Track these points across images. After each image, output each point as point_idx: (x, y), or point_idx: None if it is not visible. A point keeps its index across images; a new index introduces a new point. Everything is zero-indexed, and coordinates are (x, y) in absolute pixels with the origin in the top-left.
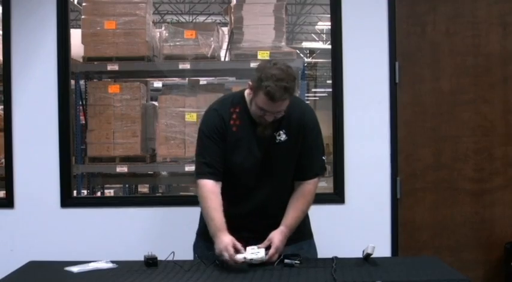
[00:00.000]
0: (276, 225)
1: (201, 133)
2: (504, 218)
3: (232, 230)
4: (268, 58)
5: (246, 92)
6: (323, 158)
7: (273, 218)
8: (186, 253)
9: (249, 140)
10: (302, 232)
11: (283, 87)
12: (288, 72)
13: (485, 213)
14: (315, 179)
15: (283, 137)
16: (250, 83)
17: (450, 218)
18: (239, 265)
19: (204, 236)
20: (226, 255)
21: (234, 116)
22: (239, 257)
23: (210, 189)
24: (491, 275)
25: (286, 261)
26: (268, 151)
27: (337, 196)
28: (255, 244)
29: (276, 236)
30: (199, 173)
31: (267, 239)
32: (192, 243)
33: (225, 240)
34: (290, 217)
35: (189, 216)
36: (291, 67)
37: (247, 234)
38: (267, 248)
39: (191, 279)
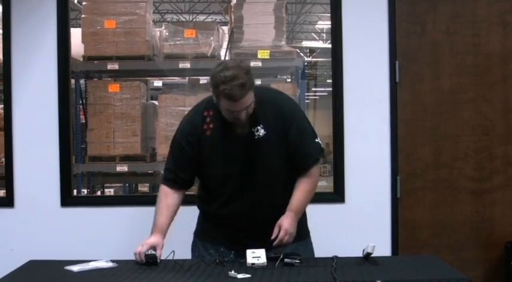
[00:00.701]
0: (271, 222)
1: (173, 139)
2: (504, 217)
3: (226, 230)
4: (268, 57)
5: None
6: (317, 140)
7: (267, 215)
8: (186, 252)
9: (226, 141)
10: (298, 233)
11: (240, 85)
12: (238, 68)
13: (485, 213)
14: (315, 166)
15: (261, 132)
16: (212, 92)
17: (450, 217)
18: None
19: (202, 236)
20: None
21: (208, 119)
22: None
23: (164, 191)
24: (491, 274)
25: (286, 260)
26: (248, 149)
27: (337, 195)
28: (252, 244)
29: (284, 220)
30: (163, 178)
31: (276, 225)
32: (190, 241)
33: (150, 239)
34: (295, 200)
35: (188, 215)
36: (242, 61)
37: (242, 234)
38: (268, 248)
39: (191, 279)
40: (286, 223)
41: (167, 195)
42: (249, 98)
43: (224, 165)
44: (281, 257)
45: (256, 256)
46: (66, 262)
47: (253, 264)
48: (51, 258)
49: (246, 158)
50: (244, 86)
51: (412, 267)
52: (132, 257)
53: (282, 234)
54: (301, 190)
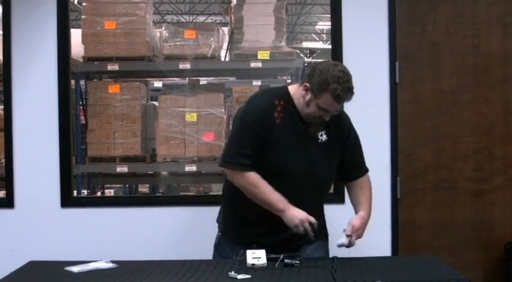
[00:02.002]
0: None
1: (242, 122)
2: (504, 218)
3: (261, 232)
4: (268, 58)
5: (293, 89)
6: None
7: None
8: (187, 252)
9: (291, 136)
10: (322, 232)
11: (349, 89)
12: (348, 72)
13: (485, 213)
14: (367, 174)
15: (324, 137)
16: (307, 84)
17: (450, 217)
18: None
19: (230, 235)
20: (303, 228)
21: (279, 108)
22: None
23: (255, 175)
24: (491, 275)
25: (286, 261)
26: (310, 151)
27: (337, 196)
28: (280, 247)
29: (356, 220)
30: (239, 164)
31: (348, 224)
32: (191, 241)
33: (300, 214)
34: (364, 203)
35: (189, 216)
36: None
37: (274, 237)
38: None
39: (191, 279)
40: (359, 225)
41: (260, 178)
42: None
43: (284, 157)
44: (281, 257)
45: (256, 256)
46: (66, 263)
47: (253, 264)
48: (51, 259)
49: (306, 158)
50: (351, 91)
51: (412, 268)
52: (133, 258)
53: (354, 237)
54: (366, 196)
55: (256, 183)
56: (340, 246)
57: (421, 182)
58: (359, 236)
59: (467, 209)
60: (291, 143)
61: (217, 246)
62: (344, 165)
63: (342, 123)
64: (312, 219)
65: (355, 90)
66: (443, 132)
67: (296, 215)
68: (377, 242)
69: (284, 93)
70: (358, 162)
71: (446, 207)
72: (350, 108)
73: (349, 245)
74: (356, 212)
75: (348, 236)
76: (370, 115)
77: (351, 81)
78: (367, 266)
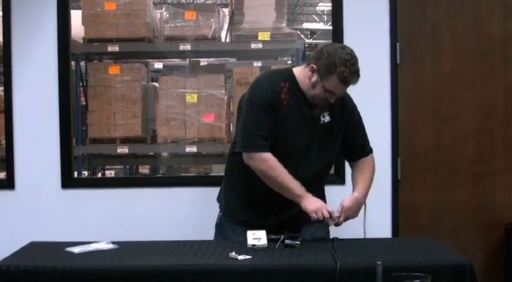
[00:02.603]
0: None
1: (253, 104)
2: (505, 200)
3: (262, 213)
4: (268, 39)
5: (297, 71)
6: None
7: None
8: (188, 233)
9: (296, 118)
10: None
11: (356, 71)
12: (355, 55)
13: (485, 195)
14: (371, 155)
15: (327, 118)
16: (314, 66)
17: (451, 199)
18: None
19: (230, 216)
20: (322, 215)
21: (285, 90)
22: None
23: (272, 158)
24: (491, 256)
25: (286, 242)
26: (314, 132)
27: (337, 177)
28: (282, 228)
29: (346, 201)
30: (258, 146)
31: (340, 204)
32: (192, 222)
33: (318, 203)
34: (360, 184)
35: (189, 197)
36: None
37: (276, 217)
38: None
39: (192, 260)
40: (349, 207)
41: (278, 162)
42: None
43: (288, 139)
44: (282, 238)
45: (256, 237)
46: (67, 244)
47: (253, 245)
48: (52, 239)
49: (309, 139)
50: (358, 74)
51: (413, 249)
52: (133, 238)
53: (341, 219)
54: (364, 177)
55: (275, 167)
56: (327, 224)
57: (421, 164)
58: (351, 216)
59: (467, 190)
60: (295, 125)
61: (219, 227)
62: (347, 146)
63: (345, 105)
64: (329, 207)
65: None
66: (444, 114)
67: (313, 203)
68: (377, 224)
69: (289, 75)
70: (361, 143)
71: (446, 188)
72: (351, 89)
73: (337, 224)
74: (353, 189)
75: (337, 216)
76: (370, 96)
77: (358, 64)
78: (367, 247)
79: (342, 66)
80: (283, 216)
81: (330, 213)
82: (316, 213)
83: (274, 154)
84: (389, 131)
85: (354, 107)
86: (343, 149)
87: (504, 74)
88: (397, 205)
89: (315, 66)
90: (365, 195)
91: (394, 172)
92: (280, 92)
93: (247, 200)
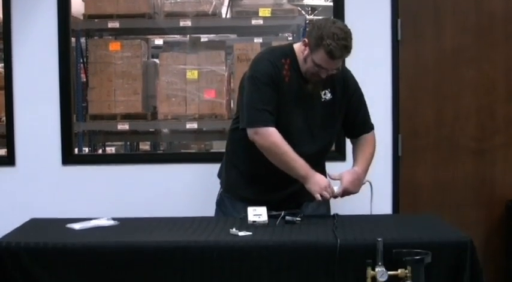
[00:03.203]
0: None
1: (255, 80)
2: (505, 176)
3: (262, 188)
4: (269, 15)
5: (297, 47)
6: (367, 110)
7: None
8: (188, 209)
9: (297, 95)
10: None
11: (344, 46)
12: (347, 31)
13: (486, 172)
14: (372, 132)
15: (328, 95)
16: (306, 40)
17: (451, 176)
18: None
19: (231, 192)
20: (326, 195)
21: (286, 66)
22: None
23: (277, 135)
24: (492, 233)
25: (287, 218)
26: (314, 109)
27: (338, 154)
28: (282, 205)
29: (346, 174)
30: (263, 120)
31: (338, 175)
32: (192, 198)
33: (322, 181)
34: (360, 159)
35: (190, 174)
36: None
37: (277, 194)
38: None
39: (192, 236)
40: (347, 181)
41: (283, 138)
42: (340, 62)
43: (291, 114)
44: (282, 214)
45: (257, 214)
46: (68, 220)
47: (254, 221)
48: (53, 216)
49: (309, 116)
50: (347, 49)
51: (413, 226)
52: (134, 215)
53: (339, 191)
54: (364, 152)
55: (280, 145)
56: (258, 224)
57: (422, 141)
58: (351, 191)
59: (468, 167)
60: (295, 102)
61: (219, 203)
62: (349, 123)
63: (347, 82)
64: (333, 188)
65: (357, 47)
66: (445, 91)
67: (318, 184)
68: (378, 200)
69: (289, 51)
70: (363, 120)
71: (447, 165)
72: (352, 65)
73: (335, 196)
74: (353, 165)
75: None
76: (371, 72)
77: (349, 39)
78: (368, 223)
79: (328, 39)
80: (284, 193)
81: (332, 193)
82: (318, 194)
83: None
84: (390, 108)
85: (356, 85)
86: (345, 126)
87: (505, 51)
88: (398, 182)
89: (306, 40)
90: (365, 171)
91: (395, 149)
92: (281, 68)
93: (248, 176)
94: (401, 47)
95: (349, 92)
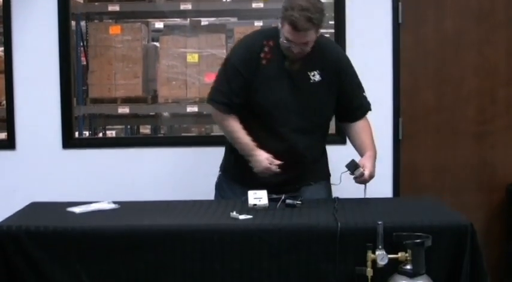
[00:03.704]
0: (304, 169)
1: (228, 63)
2: (506, 160)
3: (254, 173)
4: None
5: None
6: (365, 94)
7: (302, 161)
8: (189, 193)
9: (280, 76)
10: (322, 173)
11: (307, 17)
12: (314, 3)
13: (487, 155)
14: (366, 116)
15: (317, 77)
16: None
17: (452, 159)
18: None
19: (229, 176)
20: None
21: (266, 49)
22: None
23: (232, 117)
24: (492, 217)
25: (287, 201)
26: (301, 90)
27: (339, 137)
28: (280, 189)
29: (367, 161)
30: (214, 100)
31: (360, 164)
32: (193, 182)
33: (263, 160)
34: (367, 142)
35: (190, 157)
36: (321, 1)
37: (276, 179)
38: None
39: (193, 219)
40: (370, 164)
41: (230, 115)
42: (310, 36)
43: (274, 97)
44: (283, 198)
45: (257, 197)
46: (68, 204)
47: (254, 205)
48: (53, 199)
49: (296, 98)
50: (310, 21)
51: (413, 209)
52: (134, 198)
53: (367, 176)
54: (367, 134)
55: (229, 122)
56: (258, 208)
57: (422, 124)
58: (372, 175)
59: (469, 150)
60: (278, 84)
61: (218, 186)
62: (342, 107)
63: (339, 64)
64: (276, 161)
65: (358, 31)
66: (446, 74)
67: (259, 165)
68: (378, 184)
69: (274, 32)
70: (357, 104)
71: (448, 148)
72: (352, 48)
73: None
74: (361, 154)
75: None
76: (372, 56)
77: (314, 11)
78: (368, 207)
79: (292, 10)
80: (281, 177)
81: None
82: (263, 173)
83: (258, 115)
84: (391, 91)
85: (349, 67)
86: (338, 110)
87: (506, 34)
88: (398, 165)
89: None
90: (376, 152)
91: (395, 132)
92: (259, 51)
93: (244, 159)
94: (402, 31)
95: (340, 75)
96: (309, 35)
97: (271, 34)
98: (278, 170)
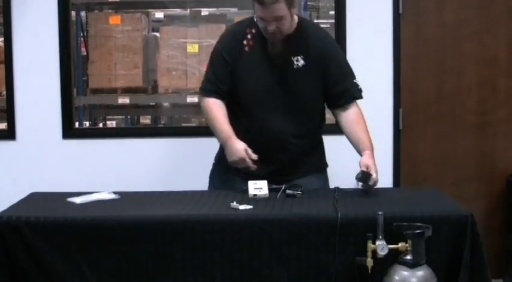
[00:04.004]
0: (292, 158)
1: (214, 51)
2: (506, 151)
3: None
4: None
5: None
6: (355, 81)
7: (290, 149)
8: (189, 183)
9: (263, 62)
10: (318, 165)
11: None
12: None
13: (487, 146)
14: (355, 102)
15: (301, 62)
16: None
17: (452, 150)
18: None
19: (221, 164)
20: (241, 164)
21: (249, 36)
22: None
23: (213, 102)
24: (493, 207)
25: (288, 191)
26: (284, 76)
27: (336, 127)
28: (270, 178)
29: (369, 160)
30: (202, 89)
31: (363, 165)
32: (193, 172)
33: (240, 150)
34: (364, 138)
35: (190, 147)
36: None
37: (262, 167)
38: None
39: (193, 209)
40: (373, 165)
41: (216, 103)
42: (280, 10)
43: (256, 84)
44: (283, 188)
45: (258, 187)
46: (69, 194)
47: (255, 195)
48: (53, 190)
49: (280, 84)
50: None
51: (414, 200)
52: (134, 189)
53: (376, 179)
54: (362, 129)
55: (211, 109)
56: (258, 198)
57: (423, 114)
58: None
59: (469, 141)
60: (261, 70)
61: (211, 175)
62: (328, 92)
63: (324, 48)
64: (253, 155)
65: (358, 21)
66: (446, 65)
67: (237, 152)
68: (379, 174)
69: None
70: (342, 89)
71: (448, 139)
72: (353, 38)
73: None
74: (358, 150)
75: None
76: (373, 46)
77: None
78: (369, 197)
79: None
80: (269, 167)
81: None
82: (235, 163)
83: (243, 104)
84: (391, 82)
85: (335, 51)
86: (326, 96)
87: (507, 24)
88: (399, 155)
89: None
90: (373, 147)
91: (396, 122)
92: (242, 38)
93: None
94: (402, 21)
95: (326, 60)
96: (277, 9)
97: (254, 22)
98: (254, 166)
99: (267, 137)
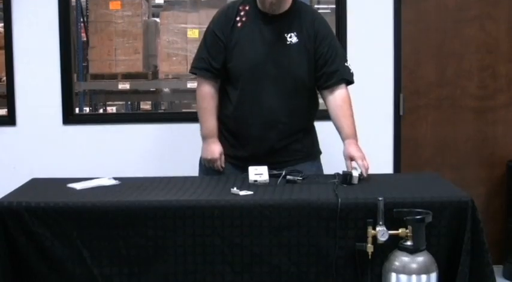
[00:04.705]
0: (283, 139)
1: (208, 30)
2: (507, 136)
3: (236, 142)
4: None
5: None
6: (346, 64)
7: (281, 129)
8: (190, 168)
9: (255, 38)
10: (310, 152)
11: None
12: None
13: (488, 131)
14: (344, 85)
15: (294, 39)
16: None
17: (453, 135)
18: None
19: None
20: (211, 164)
21: (242, 13)
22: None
23: (207, 89)
24: (493, 192)
25: (288, 177)
26: (276, 52)
27: None
28: (259, 160)
29: (353, 149)
30: (193, 66)
31: (346, 157)
32: (193, 158)
33: (215, 152)
34: (348, 126)
35: (191, 133)
36: None
37: (252, 148)
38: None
39: (193, 195)
40: (357, 153)
41: (209, 92)
42: None
43: (249, 60)
44: (283, 174)
45: (258, 173)
46: (69, 180)
47: (255, 181)
48: (54, 176)
49: (272, 60)
50: None
51: (414, 185)
52: (135, 174)
53: (366, 165)
54: (347, 115)
55: (203, 99)
56: (259, 184)
57: (424, 99)
58: (366, 163)
59: (470, 126)
60: (254, 47)
61: (200, 161)
62: (319, 72)
63: (316, 28)
64: (221, 163)
65: (359, 6)
66: (447, 50)
67: (207, 152)
68: (379, 159)
69: None
70: (333, 69)
71: (449, 124)
72: (353, 23)
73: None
74: (341, 136)
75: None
76: (373, 31)
77: None
78: (369, 183)
79: None
80: (260, 149)
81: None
82: (207, 163)
83: (234, 80)
84: (392, 66)
85: (327, 32)
86: (316, 76)
87: (508, 9)
88: (399, 140)
89: None
90: (356, 134)
91: (396, 107)
92: (235, 15)
93: (224, 130)
94: (403, 5)
95: (317, 38)
96: None
97: (247, 0)
98: (221, 168)
99: (258, 114)
